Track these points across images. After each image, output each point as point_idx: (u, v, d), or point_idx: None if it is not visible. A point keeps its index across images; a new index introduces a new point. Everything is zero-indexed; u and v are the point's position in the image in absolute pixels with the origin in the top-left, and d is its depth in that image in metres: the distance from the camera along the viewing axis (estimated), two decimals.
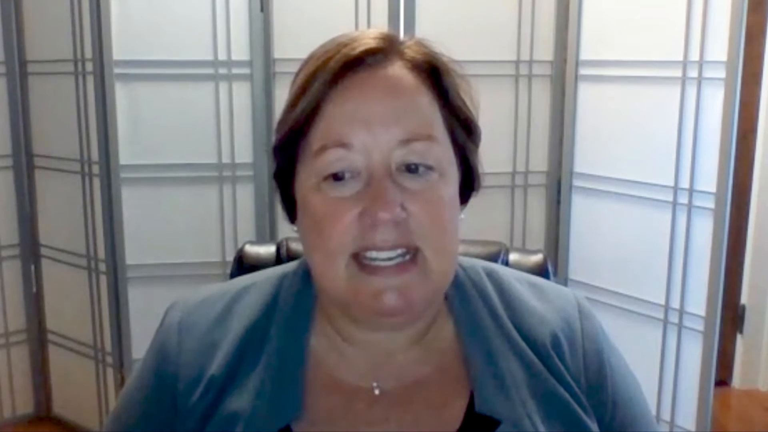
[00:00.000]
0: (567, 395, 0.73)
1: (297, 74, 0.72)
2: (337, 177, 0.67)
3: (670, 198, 2.10)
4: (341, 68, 0.67)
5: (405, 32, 2.16)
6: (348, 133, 0.67)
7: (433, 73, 0.71)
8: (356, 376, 0.73)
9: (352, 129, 0.67)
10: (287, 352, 0.73)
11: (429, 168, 0.68)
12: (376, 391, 0.73)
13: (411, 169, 0.67)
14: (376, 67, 0.69)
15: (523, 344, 0.75)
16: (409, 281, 0.67)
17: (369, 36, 0.70)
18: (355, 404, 0.72)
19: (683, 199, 2.07)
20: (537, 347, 0.75)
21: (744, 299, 2.96)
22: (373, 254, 0.66)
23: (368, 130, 0.66)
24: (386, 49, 0.70)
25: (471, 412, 0.71)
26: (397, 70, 0.69)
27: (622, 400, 0.77)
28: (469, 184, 0.75)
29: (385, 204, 0.65)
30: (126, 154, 2.24)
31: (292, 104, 0.70)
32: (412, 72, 0.70)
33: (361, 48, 0.68)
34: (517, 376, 0.72)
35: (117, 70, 2.19)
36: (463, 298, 0.77)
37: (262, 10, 2.22)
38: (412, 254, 0.67)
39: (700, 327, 2.06)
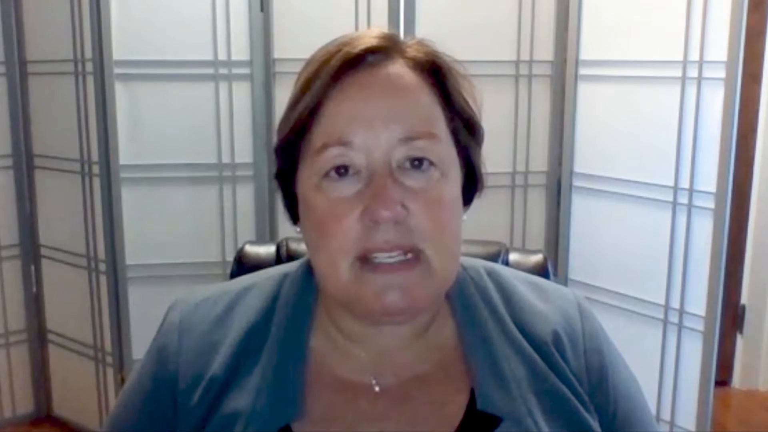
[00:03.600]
0: (569, 392, 0.73)
1: (299, 76, 0.72)
2: (338, 172, 0.67)
3: (670, 198, 2.10)
4: (342, 66, 0.67)
5: (405, 32, 2.16)
6: (349, 131, 0.66)
7: (435, 73, 0.71)
8: (357, 373, 0.73)
9: (352, 127, 0.66)
10: (287, 351, 0.73)
11: (431, 164, 0.68)
12: (377, 388, 0.73)
13: (414, 164, 0.67)
14: (377, 66, 0.68)
15: (524, 342, 0.75)
16: (411, 280, 0.67)
17: (370, 35, 0.70)
18: (356, 401, 0.72)
19: (683, 199, 2.07)
20: (538, 345, 0.75)
21: (744, 299, 2.96)
22: (376, 255, 0.66)
23: (369, 129, 0.66)
24: (387, 48, 0.70)
25: (472, 410, 0.71)
26: (399, 68, 0.69)
27: (622, 399, 0.77)
28: (472, 184, 0.75)
29: (385, 202, 0.64)
30: (126, 154, 2.24)
31: (293, 104, 0.70)
32: (414, 71, 0.70)
33: (362, 46, 0.68)
34: (518, 374, 0.72)
35: (117, 70, 2.19)
36: (464, 297, 0.77)
37: (262, 10, 2.22)
38: (414, 254, 0.67)
39: (700, 327, 2.06)
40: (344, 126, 0.67)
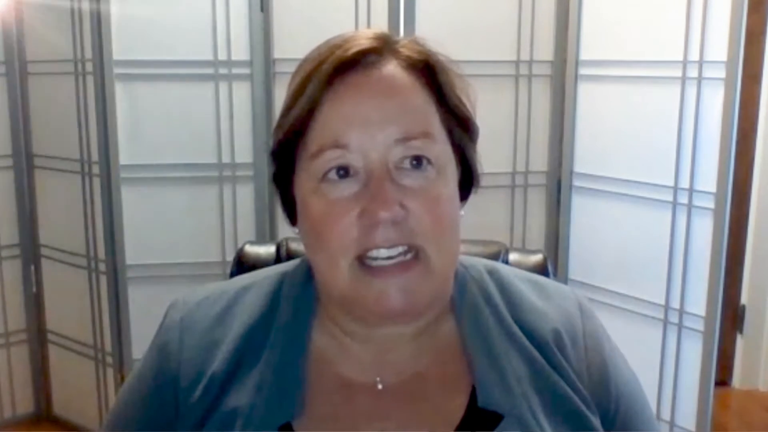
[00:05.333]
0: (569, 390, 0.73)
1: (292, 78, 0.72)
2: (337, 173, 0.67)
3: (670, 198, 2.10)
4: (335, 70, 0.67)
5: (405, 32, 2.17)
6: (344, 134, 0.67)
7: (429, 72, 0.71)
8: (358, 371, 0.73)
9: (348, 130, 0.67)
10: (288, 350, 0.73)
11: (428, 162, 0.68)
12: (379, 386, 0.73)
13: (412, 163, 0.67)
14: (370, 68, 0.69)
15: (525, 340, 0.75)
16: (411, 281, 0.67)
17: (363, 36, 0.70)
18: (357, 399, 0.72)
19: (683, 199, 2.07)
20: (539, 343, 0.75)
21: (744, 299, 2.96)
22: (374, 253, 0.66)
23: (364, 130, 0.67)
24: (380, 49, 0.70)
25: (473, 407, 0.71)
26: (392, 69, 0.69)
27: (623, 397, 0.77)
28: (468, 181, 0.75)
29: (383, 203, 0.65)
30: (126, 154, 2.24)
31: (287, 108, 0.71)
32: (407, 71, 0.70)
33: (355, 49, 0.68)
34: (519, 372, 0.73)
35: (117, 70, 2.19)
36: (465, 295, 0.77)
37: (262, 10, 2.23)
38: (414, 253, 0.67)
39: (700, 327, 2.06)
40: (339, 129, 0.67)
